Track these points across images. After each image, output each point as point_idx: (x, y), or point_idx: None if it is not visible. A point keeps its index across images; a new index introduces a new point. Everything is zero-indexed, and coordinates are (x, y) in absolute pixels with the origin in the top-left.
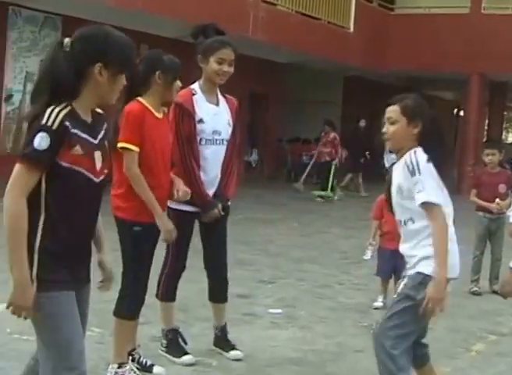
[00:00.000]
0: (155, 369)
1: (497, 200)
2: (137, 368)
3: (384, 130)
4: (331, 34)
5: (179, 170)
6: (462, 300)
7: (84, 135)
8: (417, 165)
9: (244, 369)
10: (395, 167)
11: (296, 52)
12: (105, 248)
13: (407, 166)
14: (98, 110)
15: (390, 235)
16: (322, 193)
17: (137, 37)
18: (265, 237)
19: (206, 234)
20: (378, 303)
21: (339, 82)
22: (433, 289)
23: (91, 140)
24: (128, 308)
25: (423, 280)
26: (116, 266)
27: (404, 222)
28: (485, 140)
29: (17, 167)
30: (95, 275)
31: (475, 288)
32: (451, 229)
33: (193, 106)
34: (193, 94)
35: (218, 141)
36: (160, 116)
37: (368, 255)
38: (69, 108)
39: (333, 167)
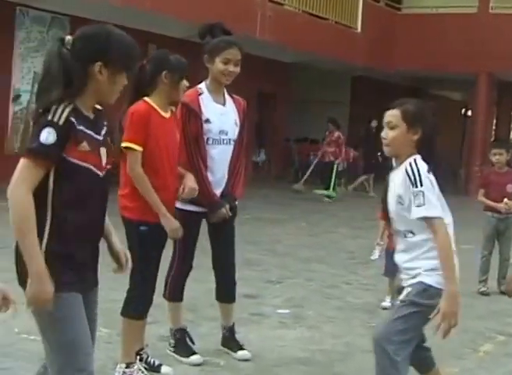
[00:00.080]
0: (163, 368)
1: (505, 200)
2: (145, 368)
3: (383, 134)
4: (338, 34)
5: (186, 170)
6: (470, 300)
7: (89, 132)
8: (419, 176)
9: (252, 369)
10: (393, 175)
11: (304, 52)
12: (113, 232)
13: (408, 176)
14: (98, 106)
15: None
16: (324, 192)
17: (145, 37)
18: (273, 237)
19: (214, 234)
20: (386, 303)
21: (346, 82)
22: (446, 303)
23: (96, 136)
24: (135, 308)
25: (426, 288)
26: None
27: (404, 234)
28: (492, 139)
29: (23, 162)
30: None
31: (483, 288)
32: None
33: (199, 106)
34: (200, 94)
35: (225, 141)
36: (167, 115)
37: (376, 255)
38: (72, 105)
39: (336, 166)
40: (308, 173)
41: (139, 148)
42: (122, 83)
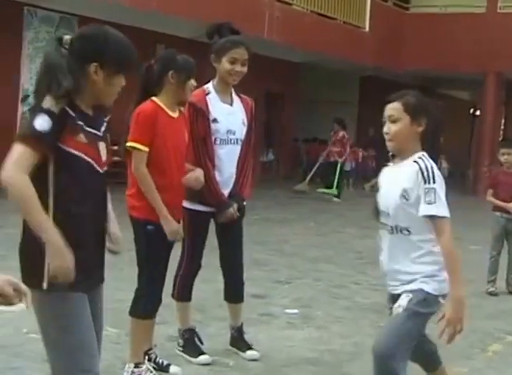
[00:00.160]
0: (172, 368)
1: None
2: (154, 367)
3: (385, 129)
4: (346, 34)
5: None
6: (479, 300)
7: (87, 127)
8: (432, 172)
9: (261, 369)
10: (391, 170)
11: (312, 52)
12: (113, 218)
13: (422, 172)
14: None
15: None
16: (325, 190)
17: (153, 38)
18: (281, 237)
19: (222, 235)
20: None
21: (355, 82)
22: (452, 309)
23: (94, 131)
24: (144, 307)
25: (426, 296)
26: (132, 266)
27: (399, 229)
28: (501, 139)
29: (16, 148)
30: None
31: (492, 289)
32: None
33: (206, 106)
34: (207, 94)
35: (232, 141)
36: (175, 115)
37: None
38: (67, 99)
39: (339, 165)
40: (312, 173)
41: (144, 148)
42: (119, 85)
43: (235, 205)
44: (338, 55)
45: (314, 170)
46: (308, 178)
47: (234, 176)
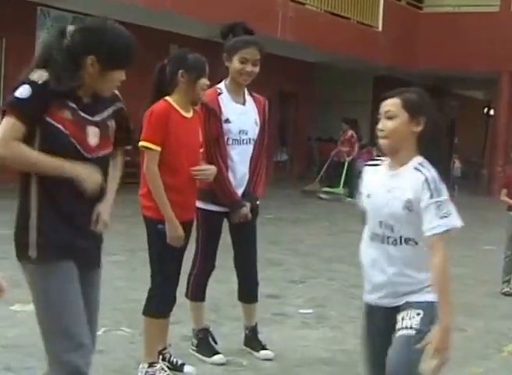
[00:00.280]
0: (186, 368)
1: None
2: (168, 367)
3: (380, 126)
4: (359, 33)
5: None
6: (493, 300)
7: (78, 110)
8: (439, 183)
9: (275, 368)
10: (386, 175)
11: (325, 52)
12: (107, 200)
13: (429, 183)
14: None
15: None
16: (331, 190)
17: (167, 38)
18: (295, 237)
19: (236, 234)
20: None
21: (368, 81)
22: (439, 338)
23: (85, 115)
24: (157, 306)
25: (436, 310)
26: (146, 266)
27: (402, 240)
28: None
29: (3, 121)
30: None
31: (507, 289)
32: None
33: (219, 106)
34: (219, 94)
35: (244, 141)
36: (188, 115)
37: None
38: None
39: (347, 164)
40: (322, 173)
41: (156, 148)
42: (117, 79)
43: (248, 205)
44: (351, 54)
45: (323, 170)
46: (318, 178)
47: (247, 176)
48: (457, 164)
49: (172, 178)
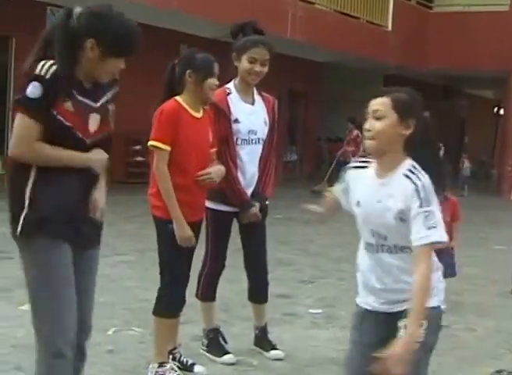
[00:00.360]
0: (196, 368)
1: None
2: (178, 367)
3: (367, 126)
4: (369, 33)
5: None
6: (504, 300)
7: (80, 97)
8: (430, 191)
9: (285, 368)
10: (374, 183)
11: (335, 51)
12: (100, 186)
13: (418, 192)
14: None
15: None
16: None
17: (177, 38)
18: (305, 237)
19: (245, 234)
20: None
21: (378, 81)
22: (403, 347)
23: (88, 102)
24: (167, 306)
25: (437, 313)
26: (157, 266)
27: (397, 248)
28: None
29: (17, 120)
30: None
31: None
32: None
33: (228, 106)
34: (228, 94)
35: (253, 141)
36: (198, 115)
37: None
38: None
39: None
40: (329, 173)
41: (165, 147)
42: (115, 67)
43: (257, 205)
44: (361, 54)
45: (330, 170)
46: (326, 178)
47: (256, 176)
48: (466, 164)
49: (182, 178)
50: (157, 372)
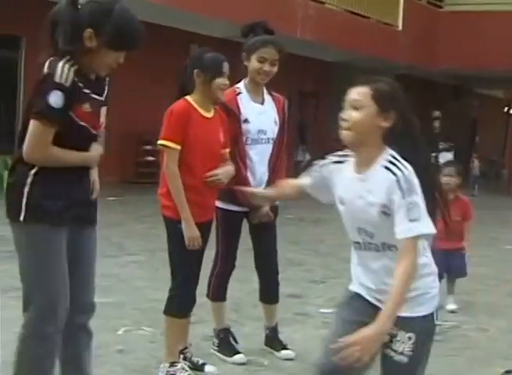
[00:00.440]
0: (207, 367)
1: None
2: (189, 366)
3: (344, 116)
4: (379, 32)
5: None
6: None
7: (92, 94)
8: (412, 180)
9: (296, 368)
10: (354, 178)
11: (345, 51)
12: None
13: (400, 183)
14: None
15: (440, 234)
16: None
17: (187, 38)
18: (316, 237)
19: (256, 235)
20: (452, 305)
21: None
22: (372, 335)
23: (96, 97)
24: (177, 306)
25: (427, 324)
26: (167, 266)
27: (385, 246)
28: None
29: (34, 125)
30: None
31: None
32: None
33: (238, 106)
34: (238, 94)
35: (263, 141)
36: (209, 115)
37: None
38: (76, 66)
39: None
40: None
41: (175, 147)
42: (113, 60)
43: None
44: (371, 53)
45: None
46: None
47: (266, 176)
48: (476, 163)
49: (192, 178)
50: (168, 371)
